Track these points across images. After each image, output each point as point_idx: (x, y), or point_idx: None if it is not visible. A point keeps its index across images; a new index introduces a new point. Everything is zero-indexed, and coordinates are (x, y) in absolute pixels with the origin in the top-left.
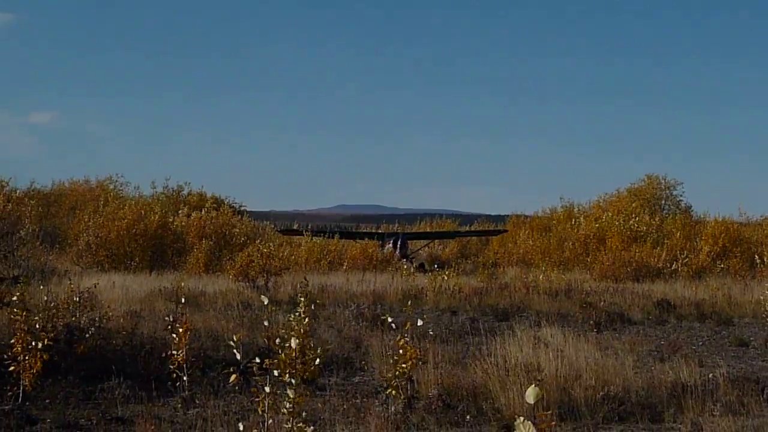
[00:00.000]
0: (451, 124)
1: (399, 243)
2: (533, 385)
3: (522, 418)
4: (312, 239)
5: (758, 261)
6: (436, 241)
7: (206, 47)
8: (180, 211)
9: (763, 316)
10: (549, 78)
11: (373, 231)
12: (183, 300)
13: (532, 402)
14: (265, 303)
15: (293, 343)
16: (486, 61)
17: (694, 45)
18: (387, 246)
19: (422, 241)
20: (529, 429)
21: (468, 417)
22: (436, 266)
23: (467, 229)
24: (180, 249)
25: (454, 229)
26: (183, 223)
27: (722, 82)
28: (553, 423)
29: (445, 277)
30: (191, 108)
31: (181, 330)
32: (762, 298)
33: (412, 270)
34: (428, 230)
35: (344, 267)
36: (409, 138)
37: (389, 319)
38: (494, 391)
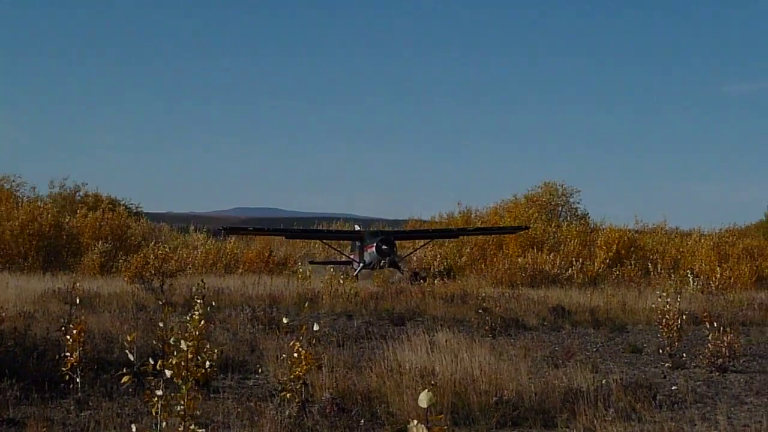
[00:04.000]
0: (348, 129)
1: (385, 246)
2: (426, 390)
3: (415, 422)
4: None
5: (652, 268)
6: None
7: (105, 47)
8: (76, 212)
9: (656, 323)
10: (446, 81)
11: (347, 229)
12: (77, 301)
13: (425, 406)
14: (161, 305)
15: (185, 345)
16: (379, 67)
17: (604, 47)
18: (369, 251)
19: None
20: None
21: (362, 421)
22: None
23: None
24: (75, 250)
25: (460, 226)
26: (78, 224)
27: (624, 88)
28: (446, 427)
29: (341, 281)
30: (90, 109)
31: (74, 331)
32: (655, 305)
33: (403, 281)
34: (421, 228)
35: (240, 270)
36: (306, 142)
37: (285, 322)
38: (389, 395)
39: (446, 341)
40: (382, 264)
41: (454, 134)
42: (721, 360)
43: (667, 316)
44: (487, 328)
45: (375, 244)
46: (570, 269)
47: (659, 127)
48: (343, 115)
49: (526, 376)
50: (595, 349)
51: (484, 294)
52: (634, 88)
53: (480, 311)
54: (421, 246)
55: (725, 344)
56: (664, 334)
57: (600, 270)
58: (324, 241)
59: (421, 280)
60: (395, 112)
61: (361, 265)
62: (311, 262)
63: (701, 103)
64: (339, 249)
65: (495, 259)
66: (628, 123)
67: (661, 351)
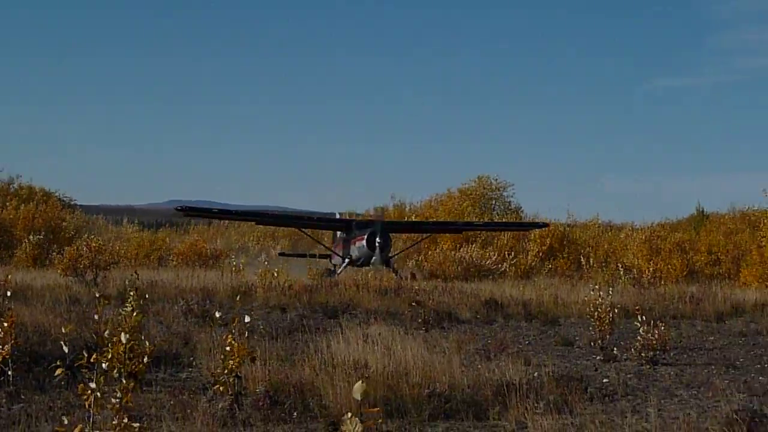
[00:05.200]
0: (282, 121)
1: (379, 239)
2: (360, 382)
3: (350, 414)
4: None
5: (584, 262)
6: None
7: (36, 44)
8: (8, 204)
9: (588, 316)
10: (378, 75)
11: (330, 218)
12: (9, 293)
13: (359, 398)
14: (96, 297)
15: (122, 338)
16: (312, 58)
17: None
18: (357, 245)
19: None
20: (355, 425)
21: (295, 414)
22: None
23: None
24: (8, 242)
25: (466, 221)
26: (11, 216)
27: (554, 81)
28: (380, 420)
29: (275, 274)
30: (22, 99)
31: (6, 324)
32: (587, 298)
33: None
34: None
35: (173, 262)
36: (239, 134)
37: (218, 315)
38: (322, 388)
39: (379, 334)
40: (373, 261)
41: (386, 128)
42: (651, 353)
43: (598, 310)
44: (420, 321)
45: (366, 237)
46: (503, 263)
47: (591, 121)
48: (277, 107)
49: (458, 369)
50: (527, 342)
51: (417, 287)
52: (563, 82)
53: (413, 304)
54: (419, 241)
55: (656, 337)
56: (595, 327)
57: (533, 263)
58: (302, 230)
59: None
60: (328, 104)
61: (346, 261)
62: (281, 254)
63: (632, 98)
64: (319, 240)
65: (429, 253)
66: (561, 117)
67: (592, 344)
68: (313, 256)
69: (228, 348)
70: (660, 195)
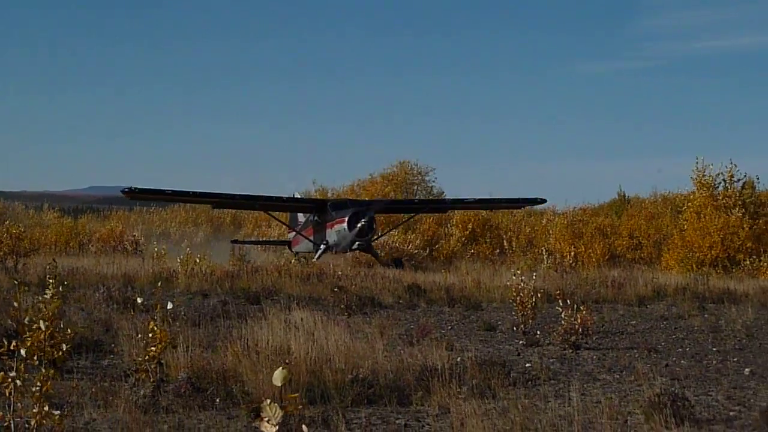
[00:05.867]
0: (206, 107)
1: (363, 221)
2: (280, 368)
3: (269, 401)
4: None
5: (507, 247)
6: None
7: None
8: None
9: (511, 301)
10: (300, 61)
11: (304, 199)
12: None
13: (280, 384)
14: (15, 284)
15: (42, 325)
16: (235, 44)
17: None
18: (336, 229)
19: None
20: (275, 411)
21: (217, 400)
22: None
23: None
24: None
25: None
26: None
27: (480, 63)
28: (301, 406)
29: (197, 260)
30: None
31: None
32: (509, 283)
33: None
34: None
35: (94, 249)
36: (162, 119)
37: (139, 301)
38: (244, 374)
39: (302, 320)
40: (356, 246)
41: (309, 114)
42: (574, 337)
43: (521, 294)
44: (342, 306)
45: (347, 219)
46: (426, 248)
47: (513, 105)
48: (202, 93)
49: (381, 354)
50: (450, 327)
51: (340, 273)
52: (491, 64)
53: (336, 290)
54: (404, 221)
55: (578, 322)
56: (518, 311)
57: (455, 248)
58: (269, 212)
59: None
60: (252, 90)
61: (322, 247)
62: (234, 242)
63: (554, 82)
64: (285, 223)
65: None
66: (484, 101)
67: (515, 329)
68: (272, 242)
69: (150, 334)
70: (580, 179)
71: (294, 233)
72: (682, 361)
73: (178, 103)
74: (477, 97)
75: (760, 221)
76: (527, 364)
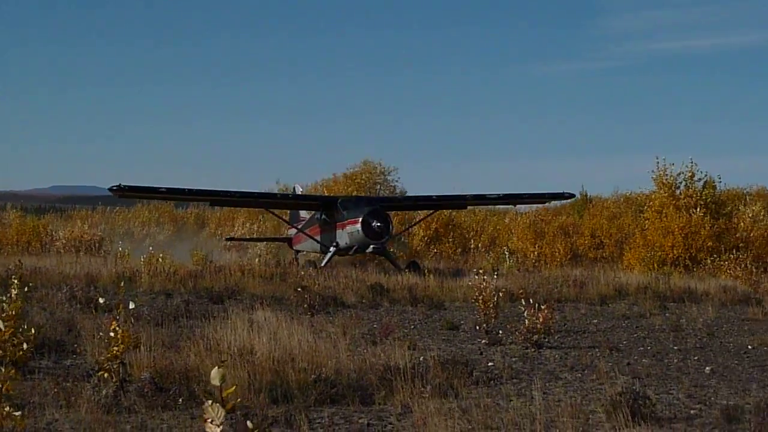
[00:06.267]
0: (162, 106)
1: (378, 222)
2: (217, 367)
3: (211, 401)
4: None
5: (471, 246)
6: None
7: None
8: None
9: (473, 300)
10: (264, 60)
11: (309, 196)
12: None
13: (218, 383)
14: None
15: (1, 325)
16: (188, 44)
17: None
18: (348, 230)
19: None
20: (218, 411)
21: (180, 400)
22: None
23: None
24: None
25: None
26: None
27: (440, 62)
28: (239, 400)
29: (160, 259)
30: None
31: None
32: (471, 282)
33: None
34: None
35: (57, 248)
36: (120, 116)
37: (102, 301)
38: (207, 374)
39: (265, 319)
40: (371, 249)
41: (271, 113)
42: (536, 336)
43: (483, 294)
44: (306, 306)
45: (361, 219)
46: (390, 248)
47: (478, 104)
48: (157, 93)
49: (344, 354)
50: (413, 327)
51: (303, 272)
52: (455, 63)
53: (299, 289)
54: (422, 219)
55: (540, 321)
56: (480, 311)
57: (419, 248)
58: (270, 210)
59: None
60: (213, 90)
61: (332, 250)
62: (229, 239)
63: (519, 81)
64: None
65: None
66: (448, 100)
67: (478, 328)
68: (270, 239)
69: (112, 334)
70: (545, 177)
71: (295, 230)
72: (643, 360)
73: (139, 102)
74: (441, 96)
75: (721, 220)
76: (489, 363)
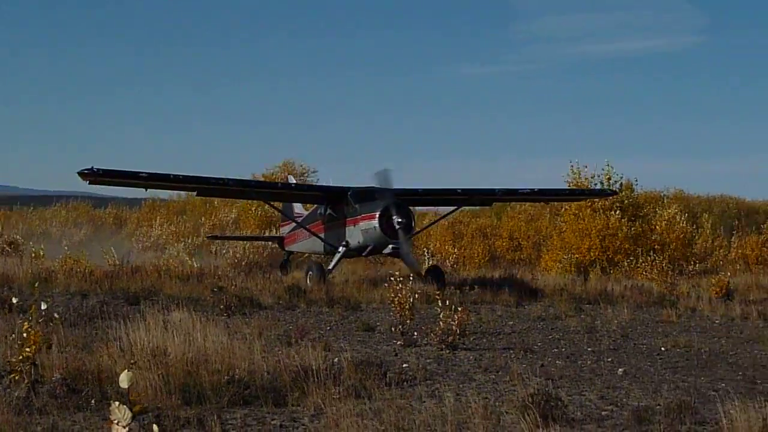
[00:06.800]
0: (82, 104)
1: (399, 217)
2: (126, 370)
3: (117, 403)
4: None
5: None
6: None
7: None
8: None
9: (389, 301)
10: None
11: (315, 186)
12: None
13: (126, 386)
14: None
15: None
16: (113, 48)
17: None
18: (365, 226)
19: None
20: (124, 413)
21: (93, 401)
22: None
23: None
24: None
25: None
26: None
27: (366, 62)
28: (145, 404)
29: (76, 260)
30: None
31: None
32: (388, 284)
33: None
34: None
35: None
36: (35, 112)
37: (15, 301)
38: (119, 375)
39: (180, 320)
40: (390, 250)
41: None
42: (451, 338)
43: (398, 295)
44: (222, 307)
45: (378, 214)
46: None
47: (398, 105)
48: (78, 92)
49: (259, 355)
50: (329, 328)
51: (221, 273)
52: (377, 63)
53: (215, 290)
54: (443, 217)
55: (456, 322)
56: (396, 312)
57: None
58: (268, 201)
59: (440, 284)
60: (127, 90)
61: (341, 250)
62: (210, 237)
63: (440, 83)
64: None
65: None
66: (366, 102)
67: (393, 329)
68: (258, 238)
69: (24, 335)
70: (465, 178)
71: (288, 228)
72: (557, 362)
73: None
74: (362, 98)
75: (638, 223)
76: (404, 365)
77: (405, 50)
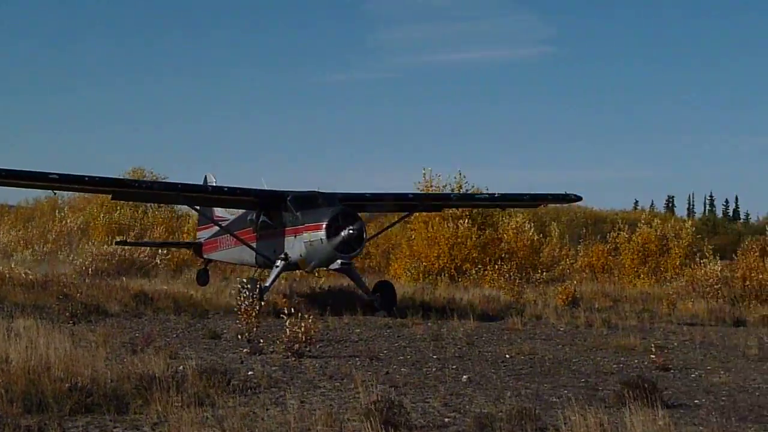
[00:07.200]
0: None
1: (350, 228)
2: None
3: None
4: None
5: None
6: None
7: None
8: None
9: (235, 309)
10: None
11: (249, 189)
12: None
13: None
14: None
15: None
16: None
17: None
18: (309, 236)
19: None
20: None
21: None
22: None
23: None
24: None
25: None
26: None
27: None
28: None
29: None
30: None
31: None
32: (234, 292)
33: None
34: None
35: None
36: None
37: None
38: None
39: (24, 328)
40: (338, 265)
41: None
42: (297, 345)
43: (244, 303)
44: (67, 314)
45: (326, 223)
46: (156, 257)
47: (269, 108)
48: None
49: (102, 363)
50: (175, 336)
51: (65, 280)
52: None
53: (61, 298)
54: (393, 224)
55: (302, 330)
56: (242, 320)
57: (187, 256)
58: (195, 207)
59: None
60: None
61: (279, 264)
62: (118, 243)
63: (304, 92)
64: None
65: (81, 245)
66: (232, 105)
67: (240, 337)
68: (168, 244)
69: None
70: (320, 183)
71: (208, 233)
72: (402, 369)
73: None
74: (226, 102)
75: (487, 231)
76: (249, 372)
77: (272, 56)
